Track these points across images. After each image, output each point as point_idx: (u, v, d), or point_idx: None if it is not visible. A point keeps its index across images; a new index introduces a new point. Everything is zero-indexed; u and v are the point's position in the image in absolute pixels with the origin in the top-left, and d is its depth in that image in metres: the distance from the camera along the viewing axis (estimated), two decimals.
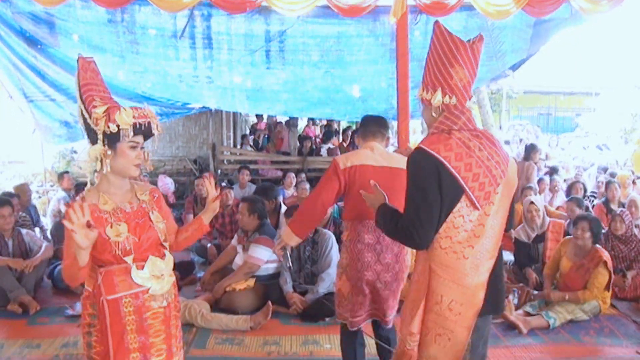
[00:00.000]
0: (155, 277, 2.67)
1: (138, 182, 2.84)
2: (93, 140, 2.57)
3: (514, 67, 9.80)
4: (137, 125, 2.54)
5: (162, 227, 2.76)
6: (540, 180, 9.69)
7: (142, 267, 2.63)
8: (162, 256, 2.74)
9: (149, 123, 2.58)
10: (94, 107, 2.54)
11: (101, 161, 2.57)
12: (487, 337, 2.85)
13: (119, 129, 2.49)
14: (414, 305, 2.73)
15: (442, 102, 2.65)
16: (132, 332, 2.63)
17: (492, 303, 2.71)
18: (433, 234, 2.60)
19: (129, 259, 2.60)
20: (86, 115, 2.59)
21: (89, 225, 2.33)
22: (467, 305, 2.63)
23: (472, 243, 2.61)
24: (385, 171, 3.59)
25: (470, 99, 2.71)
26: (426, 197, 2.55)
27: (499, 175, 2.64)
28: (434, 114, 2.70)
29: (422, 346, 2.70)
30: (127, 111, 2.51)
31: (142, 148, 2.64)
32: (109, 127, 2.48)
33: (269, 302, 5.40)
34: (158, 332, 2.72)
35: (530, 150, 9.95)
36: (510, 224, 2.81)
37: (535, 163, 9.96)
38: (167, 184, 11.46)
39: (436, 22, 2.73)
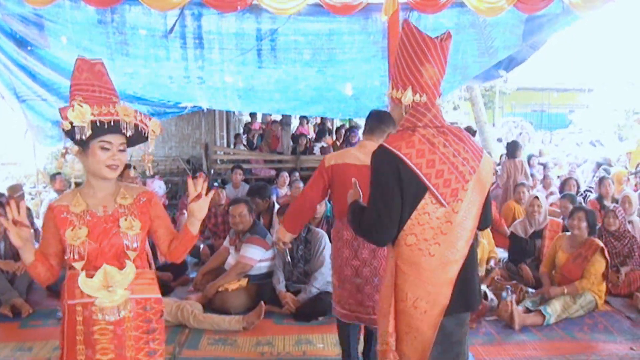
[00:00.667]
0: (105, 287, 2.50)
1: (130, 185, 2.73)
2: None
3: (508, 68, 9.79)
4: (99, 124, 2.43)
5: (132, 234, 2.58)
6: (531, 175, 9.72)
7: (92, 276, 2.50)
8: (122, 266, 2.56)
9: (116, 121, 2.46)
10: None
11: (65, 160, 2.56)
12: (462, 337, 2.77)
13: (72, 127, 2.40)
14: (385, 302, 2.73)
15: (413, 100, 2.64)
16: (81, 343, 2.54)
17: (462, 301, 2.68)
18: (393, 231, 2.61)
19: (77, 265, 2.51)
20: None
21: (15, 223, 2.33)
22: (432, 304, 2.61)
23: (438, 240, 2.59)
24: (368, 169, 3.65)
25: (440, 96, 2.71)
26: (385, 194, 2.58)
27: (468, 172, 2.61)
28: (404, 113, 2.70)
29: (397, 343, 2.69)
30: (83, 108, 2.40)
31: (121, 150, 2.54)
32: (62, 124, 2.40)
33: (262, 303, 5.36)
34: (105, 350, 2.54)
35: (515, 148, 9.94)
36: (485, 221, 2.80)
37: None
38: (154, 188, 11.37)
39: (405, 20, 2.76)
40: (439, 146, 2.60)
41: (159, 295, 2.72)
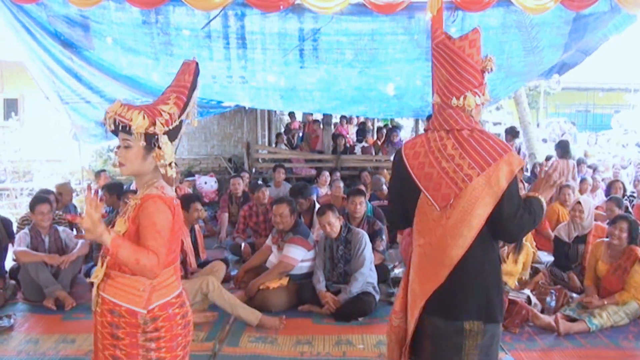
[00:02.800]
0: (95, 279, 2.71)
1: (155, 185, 2.65)
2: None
3: (560, 72, 9.68)
4: (107, 124, 2.58)
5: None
6: (582, 180, 9.50)
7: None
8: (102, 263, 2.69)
9: (117, 121, 2.54)
10: None
11: None
12: (459, 345, 2.66)
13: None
14: (401, 285, 2.91)
15: (437, 102, 2.75)
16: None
17: (440, 308, 2.65)
18: (400, 221, 2.94)
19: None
20: None
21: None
22: (413, 303, 2.71)
23: (431, 241, 2.65)
24: None
25: (453, 97, 2.66)
26: (390, 187, 2.96)
27: (461, 180, 2.57)
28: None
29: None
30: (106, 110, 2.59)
31: (125, 147, 2.58)
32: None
33: (282, 318, 5.36)
34: (94, 340, 2.84)
35: (566, 148, 9.77)
36: (506, 234, 2.68)
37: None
38: (200, 183, 11.56)
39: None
40: (435, 150, 2.65)
41: (134, 308, 2.60)
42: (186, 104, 2.66)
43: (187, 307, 2.75)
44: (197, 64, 2.74)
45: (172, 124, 2.59)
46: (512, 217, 2.57)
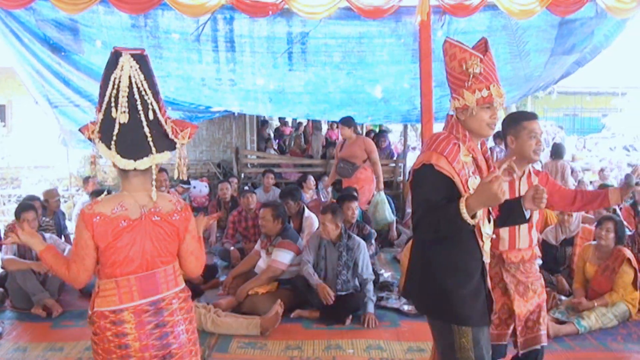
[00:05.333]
0: None
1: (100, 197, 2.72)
2: (169, 147, 2.69)
3: (547, 85, 9.73)
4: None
5: None
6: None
7: None
8: None
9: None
10: (168, 118, 2.67)
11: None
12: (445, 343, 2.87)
13: None
14: None
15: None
16: None
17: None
18: None
19: None
20: (161, 118, 2.63)
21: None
22: None
23: None
24: None
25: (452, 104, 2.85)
26: None
27: None
28: None
29: None
30: None
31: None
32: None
33: (278, 302, 5.35)
34: None
35: (560, 150, 9.83)
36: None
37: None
38: (190, 187, 11.52)
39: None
40: None
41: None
42: (101, 102, 2.61)
43: (128, 332, 2.64)
44: (113, 52, 2.63)
45: (95, 129, 2.62)
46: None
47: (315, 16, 6.64)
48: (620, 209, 8.28)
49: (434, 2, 6.44)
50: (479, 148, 2.89)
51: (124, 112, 2.55)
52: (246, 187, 10.09)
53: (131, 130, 2.58)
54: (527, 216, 2.99)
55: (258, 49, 7.83)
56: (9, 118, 16.72)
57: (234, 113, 11.83)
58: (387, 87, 8.72)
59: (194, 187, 11.54)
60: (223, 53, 7.87)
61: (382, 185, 8.52)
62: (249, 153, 13.17)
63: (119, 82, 2.56)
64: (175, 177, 2.78)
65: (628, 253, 5.54)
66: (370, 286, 5.71)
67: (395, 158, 12.26)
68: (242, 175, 12.18)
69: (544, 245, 6.68)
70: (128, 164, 2.60)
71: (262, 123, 15.38)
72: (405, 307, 5.79)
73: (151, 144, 2.61)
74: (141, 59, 2.62)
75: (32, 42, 7.48)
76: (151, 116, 2.60)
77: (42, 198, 7.80)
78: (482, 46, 2.82)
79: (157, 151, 2.64)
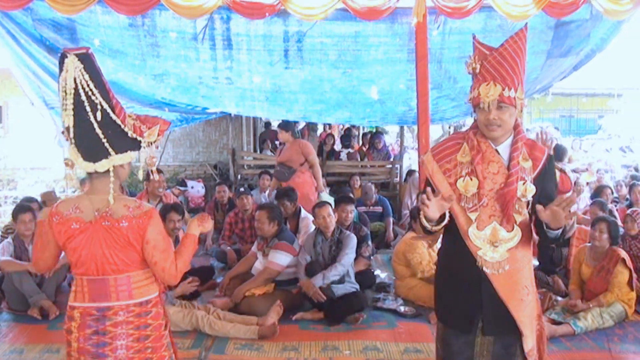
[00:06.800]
0: None
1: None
2: (131, 146, 2.69)
3: (543, 88, 9.74)
4: None
5: None
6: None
7: None
8: None
9: None
10: (130, 116, 2.65)
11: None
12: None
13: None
14: None
15: None
16: None
17: None
18: None
19: None
20: (115, 118, 2.61)
21: None
22: None
23: None
24: None
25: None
26: None
27: None
28: None
29: None
30: None
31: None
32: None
33: (278, 304, 5.39)
34: None
35: (561, 152, 9.83)
36: None
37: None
38: (187, 187, 11.52)
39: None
40: None
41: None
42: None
43: (72, 330, 2.72)
44: (61, 54, 2.61)
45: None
46: None
47: (311, 18, 6.65)
48: (618, 210, 8.29)
49: (430, 4, 6.44)
50: (493, 147, 2.79)
51: (69, 115, 2.56)
52: (242, 189, 10.09)
53: (85, 132, 2.59)
54: (556, 235, 2.72)
55: (254, 47, 7.84)
56: (5, 119, 16.66)
57: (230, 114, 11.84)
58: (383, 88, 8.71)
59: (192, 188, 11.55)
60: (220, 51, 7.88)
61: (322, 187, 8.43)
62: (245, 154, 13.18)
63: (65, 84, 2.55)
64: (141, 178, 2.79)
65: (623, 253, 5.57)
66: (336, 270, 5.69)
67: (392, 159, 12.26)
68: (239, 177, 12.20)
69: (539, 245, 6.70)
70: (88, 166, 2.64)
71: (266, 125, 15.46)
72: (402, 308, 5.80)
73: (107, 145, 2.61)
74: (86, 59, 2.57)
75: (28, 43, 7.45)
76: (99, 117, 2.57)
77: (39, 200, 7.77)
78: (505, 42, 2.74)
79: (117, 152, 2.63)
